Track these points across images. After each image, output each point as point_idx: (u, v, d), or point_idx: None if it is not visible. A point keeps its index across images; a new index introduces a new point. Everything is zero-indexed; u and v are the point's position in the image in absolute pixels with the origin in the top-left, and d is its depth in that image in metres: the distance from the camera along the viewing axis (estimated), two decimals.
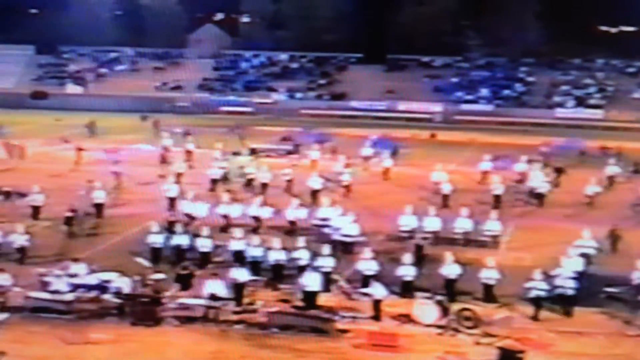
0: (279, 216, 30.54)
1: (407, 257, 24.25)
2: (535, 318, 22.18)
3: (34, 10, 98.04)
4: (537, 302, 22.35)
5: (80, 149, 45.51)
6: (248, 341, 20.54)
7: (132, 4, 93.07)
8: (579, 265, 24.41)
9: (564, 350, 20.38)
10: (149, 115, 62.59)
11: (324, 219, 29.15)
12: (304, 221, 30.10)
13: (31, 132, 55.16)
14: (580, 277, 23.65)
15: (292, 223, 30.08)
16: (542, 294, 22.32)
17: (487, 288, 23.46)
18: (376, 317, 21.88)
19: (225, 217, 30.33)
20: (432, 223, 28.73)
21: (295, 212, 30.40)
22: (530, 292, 22.46)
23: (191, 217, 30.13)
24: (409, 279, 23.67)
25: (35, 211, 32.08)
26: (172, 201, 33.24)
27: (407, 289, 23.41)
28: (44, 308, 21.70)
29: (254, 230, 28.83)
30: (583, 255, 25.39)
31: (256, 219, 30.16)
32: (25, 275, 23.77)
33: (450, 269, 23.79)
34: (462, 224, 28.90)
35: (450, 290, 23.43)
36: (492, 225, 28.96)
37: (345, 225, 27.77)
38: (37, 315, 21.46)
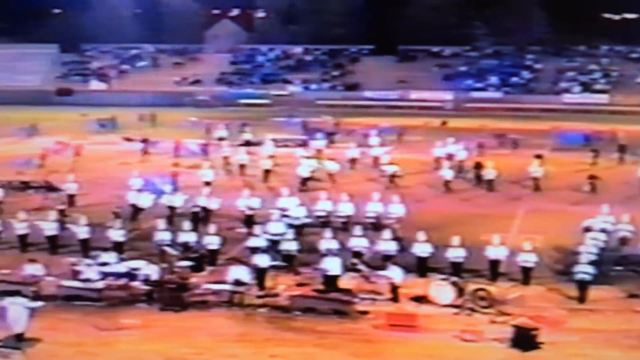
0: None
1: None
2: (581, 300, 22.00)
3: (57, 10, 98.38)
4: (582, 284, 22.17)
5: (145, 140, 46.16)
6: (271, 324, 20.58)
7: (152, 2, 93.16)
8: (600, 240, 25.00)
9: (577, 327, 20.30)
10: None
11: (282, 209, 28.35)
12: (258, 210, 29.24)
13: (59, 128, 55.45)
14: (602, 251, 24.21)
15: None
16: (587, 277, 22.15)
17: (525, 271, 23.41)
18: (394, 299, 21.88)
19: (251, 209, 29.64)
20: (346, 208, 28.92)
21: (247, 201, 29.69)
22: (577, 275, 22.31)
23: (206, 210, 29.86)
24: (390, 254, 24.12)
25: (71, 200, 32.60)
26: (207, 185, 33.29)
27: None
28: (76, 296, 21.81)
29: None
30: (603, 230, 25.79)
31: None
32: (58, 264, 23.95)
33: (456, 252, 23.84)
34: (373, 208, 28.88)
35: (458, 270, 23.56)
36: (396, 208, 28.70)
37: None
38: (69, 303, 21.57)
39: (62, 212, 28.92)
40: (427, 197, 35.22)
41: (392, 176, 36.67)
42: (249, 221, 28.57)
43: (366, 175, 39.26)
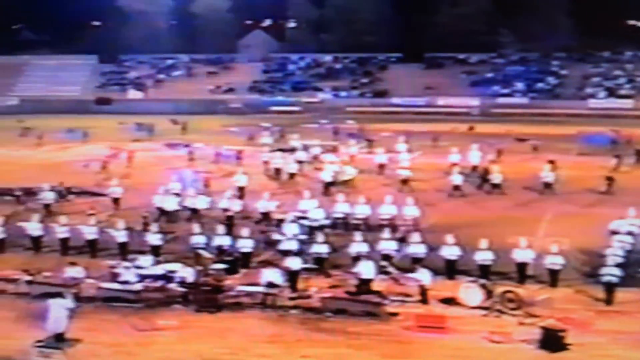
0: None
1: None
2: (608, 302, 21.74)
3: (96, 23, 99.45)
4: (609, 286, 21.88)
5: (188, 145, 46.38)
6: (303, 325, 20.55)
7: (186, 13, 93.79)
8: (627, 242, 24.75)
9: (604, 329, 20.06)
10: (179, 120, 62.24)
11: (303, 211, 28.87)
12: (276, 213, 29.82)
13: (98, 136, 55.96)
14: (629, 253, 23.94)
15: (265, 214, 29.97)
16: (614, 279, 21.87)
17: (553, 273, 23.16)
18: (424, 301, 21.74)
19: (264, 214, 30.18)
20: (363, 210, 29.43)
21: (266, 204, 30.35)
22: (604, 277, 22.04)
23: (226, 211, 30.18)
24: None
25: (115, 202, 33.14)
26: (241, 190, 33.55)
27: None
28: (115, 298, 21.95)
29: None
30: (630, 233, 25.52)
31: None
32: (97, 267, 24.13)
33: (484, 255, 23.62)
34: (387, 210, 29.13)
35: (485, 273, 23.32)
36: (411, 210, 28.99)
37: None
38: (108, 305, 21.72)
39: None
40: (451, 201, 35.01)
41: (405, 181, 36.61)
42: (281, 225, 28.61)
43: (393, 180, 39.04)
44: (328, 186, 35.73)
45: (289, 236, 25.84)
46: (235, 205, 30.53)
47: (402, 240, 25.60)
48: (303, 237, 25.93)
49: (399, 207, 29.18)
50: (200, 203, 31.17)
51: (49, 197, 32.99)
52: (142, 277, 22.39)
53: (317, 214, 28.36)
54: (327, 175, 36.53)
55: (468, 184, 36.66)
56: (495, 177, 36.25)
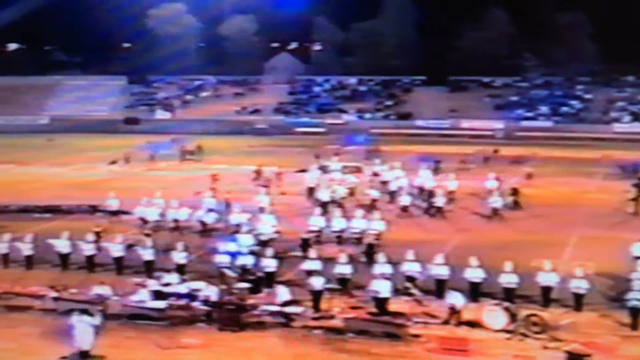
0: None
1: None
2: (633, 326, 21.32)
3: (126, 45, 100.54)
4: (635, 311, 21.46)
5: (259, 170, 45.78)
6: (326, 345, 20.34)
7: (214, 36, 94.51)
8: None
9: (629, 354, 19.69)
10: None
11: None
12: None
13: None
14: None
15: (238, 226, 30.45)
16: None
17: (577, 297, 22.79)
18: (459, 323, 21.44)
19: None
20: (338, 223, 30.39)
21: (238, 216, 31.02)
22: (630, 302, 21.65)
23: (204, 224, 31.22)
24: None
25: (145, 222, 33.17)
26: (262, 210, 33.49)
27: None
28: (139, 315, 21.90)
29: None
30: None
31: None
32: (123, 285, 24.12)
33: (508, 278, 23.29)
34: (358, 224, 29.93)
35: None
36: (378, 225, 29.58)
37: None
38: (133, 322, 21.67)
39: (97, 234, 29.03)
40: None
41: (373, 200, 36.71)
42: (304, 244, 28.56)
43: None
44: (325, 204, 35.77)
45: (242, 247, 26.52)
46: (209, 219, 31.84)
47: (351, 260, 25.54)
48: (255, 248, 26.79)
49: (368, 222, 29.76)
50: (182, 215, 32.37)
51: (114, 203, 34.71)
52: (167, 295, 22.31)
53: (264, 229, 29.10)
54: (324, 195, 37.01)
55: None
56: (438, 201, 36.33)
